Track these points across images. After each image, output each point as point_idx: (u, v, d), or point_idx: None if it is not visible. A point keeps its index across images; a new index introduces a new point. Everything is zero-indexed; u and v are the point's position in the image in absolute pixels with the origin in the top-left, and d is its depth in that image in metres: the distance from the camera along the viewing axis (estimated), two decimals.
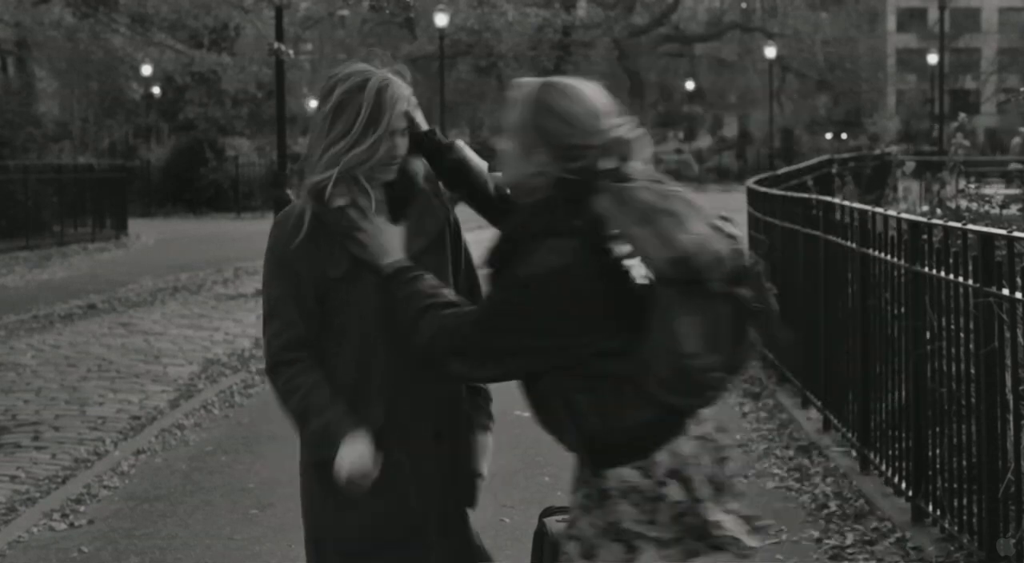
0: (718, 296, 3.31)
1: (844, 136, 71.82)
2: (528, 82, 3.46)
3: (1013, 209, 10.44)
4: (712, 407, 3.45)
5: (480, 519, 3.89)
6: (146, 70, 45.58)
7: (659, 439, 3.38)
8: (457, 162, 3.79)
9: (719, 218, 3.41)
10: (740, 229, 3.45)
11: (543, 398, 3.41)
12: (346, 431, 3.55)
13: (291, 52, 20.16)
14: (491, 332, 3.35)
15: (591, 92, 3.43)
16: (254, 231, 31.04)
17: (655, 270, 3.30)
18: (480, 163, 3.81)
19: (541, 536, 3.75)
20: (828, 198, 9.71)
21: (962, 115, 12.04)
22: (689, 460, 3.41)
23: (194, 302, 18.19)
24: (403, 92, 3.61)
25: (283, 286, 3.67)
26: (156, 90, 52.11)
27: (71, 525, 7.53)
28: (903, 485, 7.11)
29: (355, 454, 3.53)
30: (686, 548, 3.40)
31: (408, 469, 3.66)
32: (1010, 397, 5.69)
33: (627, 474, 3.35)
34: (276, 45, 19.46)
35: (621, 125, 3.44)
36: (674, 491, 3.38)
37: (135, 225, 33.25)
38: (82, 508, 7.86)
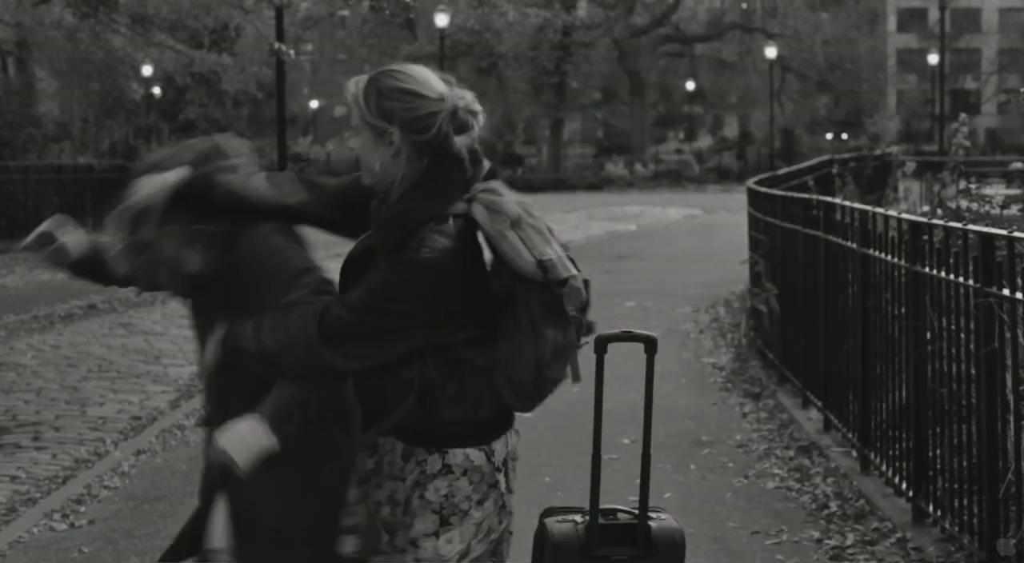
0: (571, 319, 3.54)
1: (844, 136, 71.83)
2: (358, 78, 3.61)
3: (1013, 209, 10.44)
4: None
5: None
6: (146, 70, 45.56)
7: (500, 429, 3.64)
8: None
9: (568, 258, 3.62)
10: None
11: (397, 376, 3.55)
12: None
13: (291, 52, 20.19)
14: (370, 312, 3.47)
15: (419, 70, 3.59)
16: None
17: (522, 271, 3.47)
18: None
19: (542, 536, 3.76)
20: (829, 198, 9.71)
21: (963, 115, 12.04)
22: (512, 454, 3.69)
23: None
24: None
25: None
26: (156, 90, 52.16)
27: (71, 525, 7.53)
28: (904, 485, 7.11)
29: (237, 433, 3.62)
30: (491, 537, 3.65)
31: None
32: (1011, 397, 5.69)
33: (473, 455, 3.57)
34: (276, 45, 19.49)
35: (458, 94, 3.57)
36: (502, 480, 3.63)
37: None
38: (82, 508, 7.86)
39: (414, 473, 3.58)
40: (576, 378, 3.62)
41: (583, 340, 3.63)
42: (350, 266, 3.66)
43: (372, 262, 3.56)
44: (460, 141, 3.54)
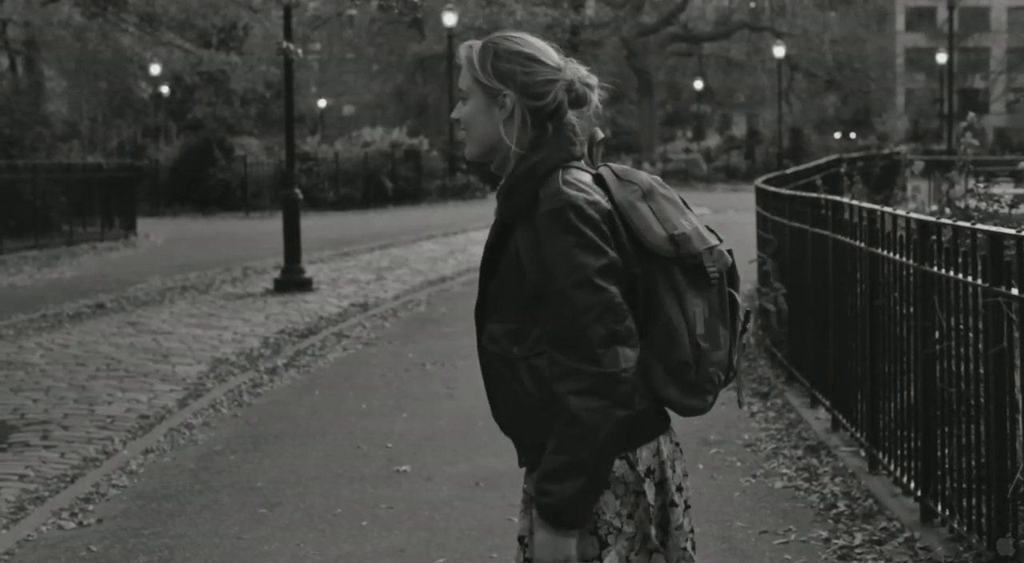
0: (715, 286, 3.34)
1: (853, 135, 71.76)
2: (471, 42, 3.44)
3: (1022, 208, 10.42)
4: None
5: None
6: (155, 70, 45.64)
7: (650, 433, 3.33)
8: None
9: (706, 227, 3.43)
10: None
11: (539, 377, 3.26)
12: None
13: (299, 52, 20.17)
14: (581, 269, 3.19)
15: (536, 39, 3.45)
16: (263, 231, 31.08)
17: (652, 246, 3.27)
18: None
19: None
20: (837, 198, 9.69)
21: (971, 114, 12.02)
22: (667, 462, 3.37)
23: (203, 301, 18.21)
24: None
25: None
26: (165, 89, 52.22)
27: (80, 524, 7.54)
28: (912, 485, 7.10)
29: None
30: (647, 549, 3.35)
31: None
32: (1019, 397, 5.69)
33: (615, 464, 3.27)
34: (285, 45, 19.47)
35: (574, 67, 3.45)
36: (650, 490, 3.32)
37: (144, 224, 33.28)
38: (91, 507, 7.88)
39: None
40: (740, 401, 3.54)
41: (744, 325, 3.42)
42: (491, 254, 3.38)
43: (511, 246, 3.32)
44: (574, 114, 3.41)
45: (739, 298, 3.44)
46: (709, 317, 3.32)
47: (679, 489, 3.40)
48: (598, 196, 3.27)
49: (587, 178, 3.31)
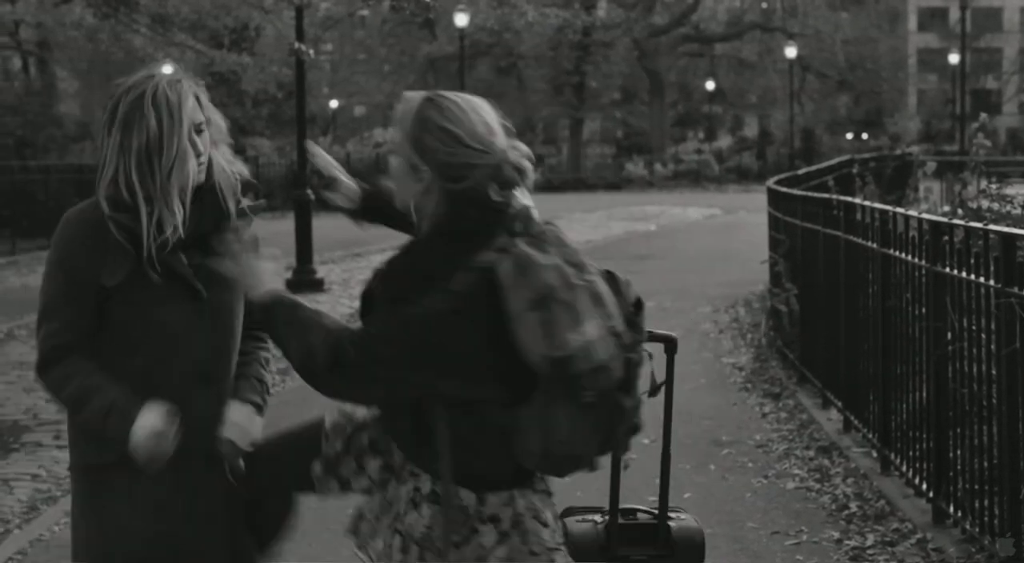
0: (594, 405, 3.18)
1: (865, 136, 71.65)
2: (413, 96, 3.29)
3: None
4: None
5: None
6: (166, 70, 45.66)
7: (505, 485, 3.33)
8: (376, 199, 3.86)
9: (631, 308, 3.30)
10: (650, 322, 3.41)
11: (417, 424, 3.30)
12: (137, 405, 3.42)
13: (311, 52, 20.20)
14: (372, 358, 3.23)
15: (477, 110, 3.27)
16: (274, 231, 31.05)
17: (531, 362, 3.13)
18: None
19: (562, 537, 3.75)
20: (849, 198, 9.69)
21: (983, 115, 12.00)
22: (524, 514, 3.34)
23: None
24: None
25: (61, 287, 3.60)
26: None
27: None
28: (924, 486, 7.09)
29: (151, 427, 3.40)
30: None
31: (184, 494, 3.54)
32: None
33: (464, 493, 3.27)
34: (296, 45, 19.49)
35: (509, 148, 3.26)
36: (489, 534, 3.30)
37: None
38: None
39: (407, 486, 3.36)
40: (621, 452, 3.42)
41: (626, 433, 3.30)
42: (369, 296, 3.37)
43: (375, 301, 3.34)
44: (503, 196, 3.22)
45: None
46: (579, 425, 3.20)
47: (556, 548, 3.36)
48: (442, 307, 3.18)
49: (459, 285, 3.16)
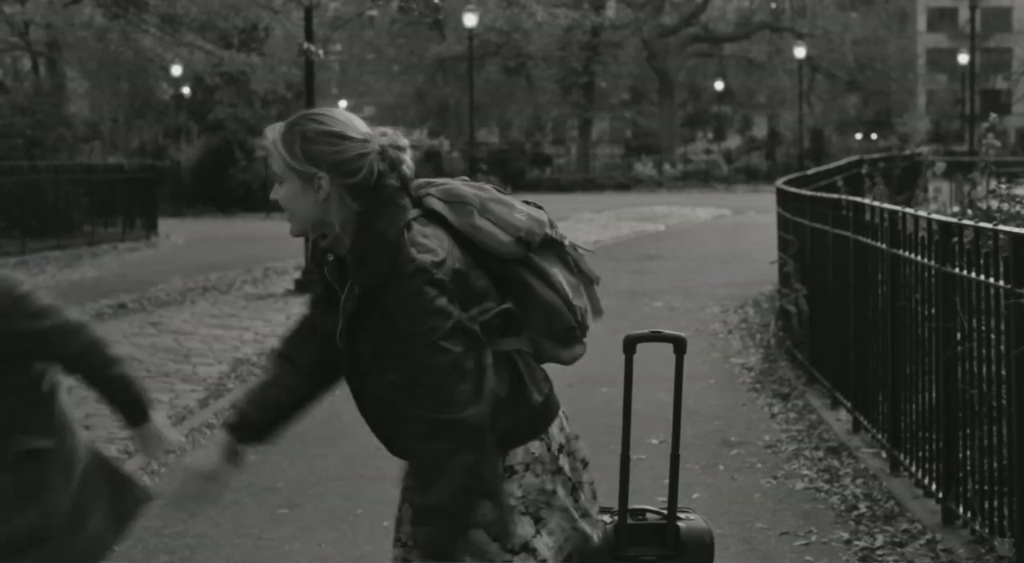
0: (563, 246, 3.56)
1: (874, 136, 71.57)
2: (274, 126, 3.50)
3: None
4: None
5: None
6: (176, 71, 45.69)
7: (553, 412, 3.54)
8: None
9: (524, 202, 3.62)
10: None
11: (446, 386, 3.38)
12: None
13: (320, 53, 20.20)
14: (433, 334, 3.34)
15: (339, 112, 3.49)
16: (283, 231, 30.97)
17: (507, 255, 3.45)
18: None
19: None
20: (858, 199, 9.68)
21: (993, 115, 11.99)
22: (571, 436, 3.59)
23: (224, 302, 18.25)
24: None
25: None
26: (186, 90, 52.29)
27: None
28: (933, 487, 7.08)
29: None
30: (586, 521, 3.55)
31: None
32: None
33: (533, 446, 3.47)
34: (305, 46, 19.50)
35: (380, 135, 3.47)
36: (565, 464, 3.52)
37: (165, 225, 33.35)
38: None
39: None
40: (598, 311, 3.61)
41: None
42: (356, 322, 3.46)
43: (375, 310, 3.42)
44: (392, 178, 3.44)
45: (567, 241, 3.61)
46: (572, 278, 3.55)
47: (556, 471, 3.55)
48: (443, 253, 3.37)
49: (429, 230, 3.40)
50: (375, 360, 3.46)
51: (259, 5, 33.68)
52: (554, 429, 3.52)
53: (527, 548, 3.43)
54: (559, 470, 3.49)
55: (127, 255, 27.26)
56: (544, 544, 3.44)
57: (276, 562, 6.74)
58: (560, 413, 3.56)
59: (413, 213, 3.42)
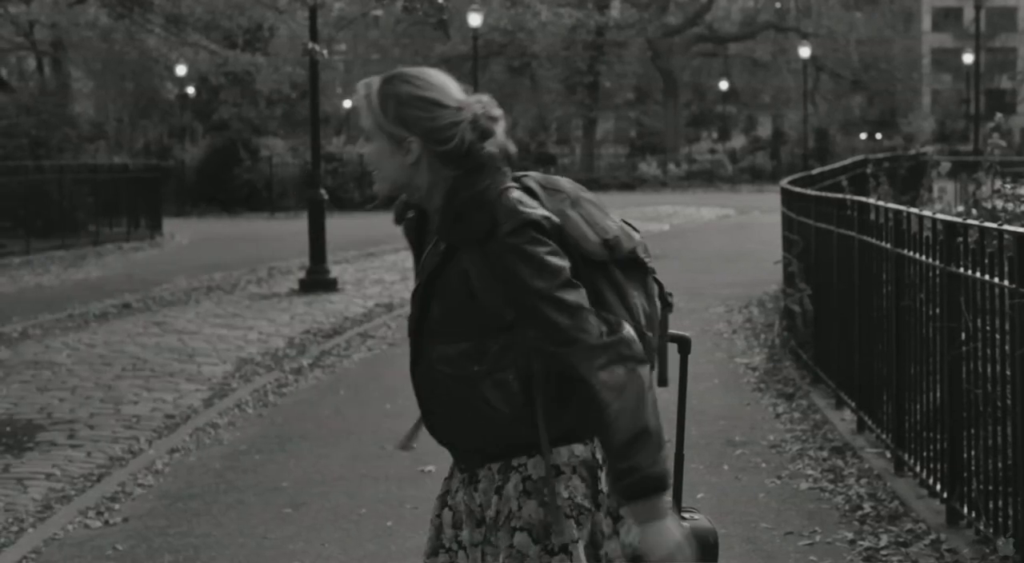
0: (650, 273, 3.47)
1: (879, 136, 71.51)
2: (371, 81, 3.42)
3: None
4: None
5: None
6: (180, 70, 45.75)
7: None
8: None
9: (623, 220, 3.54)
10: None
11: (508, 391, 3.34)
12: None
13: (325, 52, 20.22)
14: (560, 273, 3.27)
15: (437, 75, 3.41)
16: (288, 231, 31.14)
17: (589, 252, 3.35)
18: None
19: None
20: (863, 198, 9.67)
21: (998, 115, 11.95)
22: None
23: (228, 301, 18.26)
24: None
25: None
26: (190, 90, 52.36)
27: (106, 523, 7.57)
28: (938, 487, 7.08)
29: None
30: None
31: None
32: None
33: (578, 449, 3.38)
34: (310, 45, 19.50)
35: (476, 100, 3.40)
36: (604, 477, 3.41)
37: (170, 225, 33.38)
38: (117, 506, 7.90)
39: (514, 481, 3.39)
40: (663, 381, 3.50)
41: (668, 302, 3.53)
42: (433, 279, 3.40)
43: (454, 270, 3.35)
44: (487, 146, 3.36)
45: (660, 280, 3.55)
46: (648, 306, 3.45)
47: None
48: (546, 211, 3.33)
49: (527, 196, 3.36)
50: (442, 323, 3.39)
51: (264, 5, 33.70)
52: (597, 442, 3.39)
53: (565, 550, 3.35)
54: (598, 479, 3.41)
55: (132, 255, 27.28)
56: (582, 551, 3.37)
57: (280, 561, 6.74)
58: None
59: (513, 183, 3.38)
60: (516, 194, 3.32)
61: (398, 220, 3.55)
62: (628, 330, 3.30)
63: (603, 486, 3.40)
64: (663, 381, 3.63)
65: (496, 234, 3.28)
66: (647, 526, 3.27)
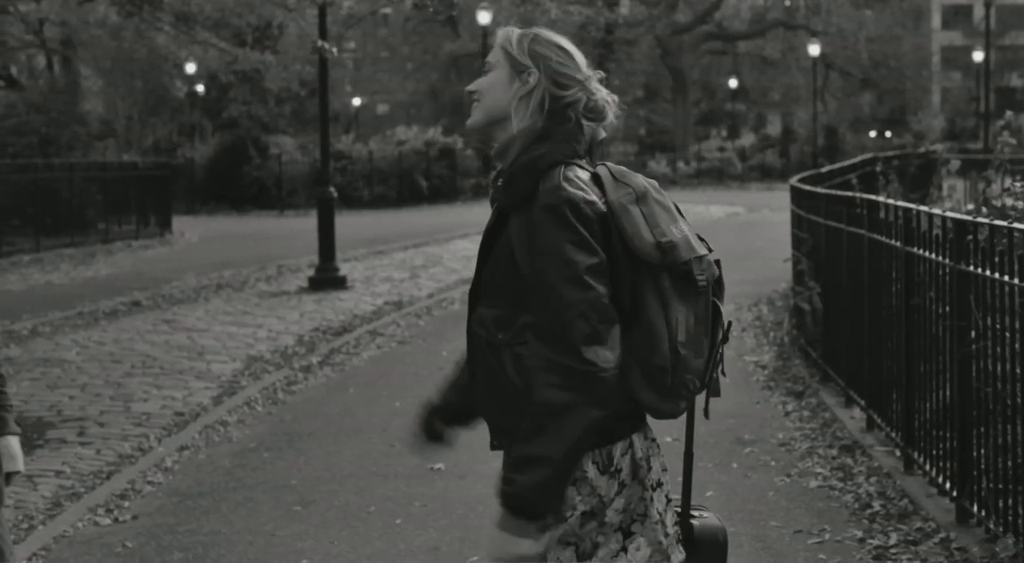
0: (703, 293, 3.34)
1: (888, 134, 71.42)
2: (510, 28, 3.49)
3: None
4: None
5: None
6: (190, 68, 45.78)
7: (623, 431, 3.33)
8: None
9: (696, 236, 3.44)
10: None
11: (521, 365, 3.28)
12: None
13: (334, 50, 20.21)
14: (572, 266, 3.20)
15: (574, 49, 3.47)
16: (297, 229, 31.15)
17: (639, 251, 3.25)
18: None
19: None
20: (872, 196, 9.66)
21: (1008, 113, 11.96)
22: (640, 459, 3.37)
23: (237, 299, 18.27)
24: None
25: None
26: (200, 88, 52.38)
27: (115, 520, 7.58)
28: (947, 485, 7.07)
29: None
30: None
31: None
32: None
33: (586, 465, 3.28)
34: (319, 43, 19.51)
35: (597, 87, 3.44)
36: (611, 488, 3.32)
37: (179, 222, 33.42)
38: (126, 504, 7.91)
39: None
40: (715, 391, 3.41)
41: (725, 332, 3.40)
42: (488, 238, 3.39)
43: (505, 233, 3.32)
44: (585, 120, 3.39)
45: (722, 308, 3.43)
46: (693, 325, 3.31)
47: (657, 485, 3.42)
48: (595, 196, 3.28)
49: (586, 176, 3.32)
50: (488, 285, 3.37)
51: (273, 3, 33.67)
52: (616, 450, 3.32)
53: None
54: (660, 484, 3.39)
55: (141, 253, 27.31)
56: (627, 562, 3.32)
57: (289, 559, 6.74)
58: (635, 438, 3.37)
59: (580, 162, 3.35)
60: (567, 172, 3.29)
61: (494, 183, 3.50)
62: (607, 363, 3.16)
63: (604, 490, 3.34)
64: (705, 413, 3.58)
65: (533, 204, 3.26)
66: (496, 531, 3.22)
